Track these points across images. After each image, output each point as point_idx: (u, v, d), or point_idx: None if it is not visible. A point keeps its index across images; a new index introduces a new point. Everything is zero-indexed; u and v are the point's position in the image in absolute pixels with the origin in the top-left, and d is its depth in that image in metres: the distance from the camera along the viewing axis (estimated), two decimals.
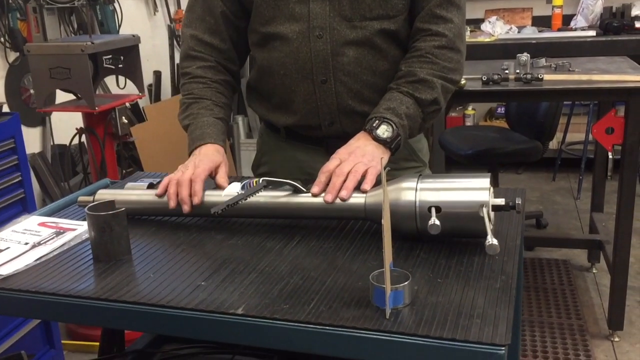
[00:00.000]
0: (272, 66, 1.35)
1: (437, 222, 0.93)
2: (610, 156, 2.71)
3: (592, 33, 3.92)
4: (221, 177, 1.22)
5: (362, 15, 1.27)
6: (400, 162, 1.41)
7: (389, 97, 1.25)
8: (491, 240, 0.90)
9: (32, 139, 2.96)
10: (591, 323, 2.58)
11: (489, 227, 0.93)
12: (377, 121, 1.20)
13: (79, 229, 1.15)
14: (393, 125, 1.20)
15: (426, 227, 0.95)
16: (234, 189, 1.12)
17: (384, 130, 1.19)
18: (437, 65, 1.26)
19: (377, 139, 1.19)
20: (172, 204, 1.14)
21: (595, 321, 2.60)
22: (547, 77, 2.35)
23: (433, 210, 0.97)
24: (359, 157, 1.14)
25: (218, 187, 1.20)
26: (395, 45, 1.32)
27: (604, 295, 2.74)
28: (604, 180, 3.07)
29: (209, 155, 1.24)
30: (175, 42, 4.04)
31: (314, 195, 1.09)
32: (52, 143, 3.04)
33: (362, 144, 1.18)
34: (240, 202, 1.08)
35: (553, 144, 3.71)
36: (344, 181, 1.09)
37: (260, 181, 1.10)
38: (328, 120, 1.35)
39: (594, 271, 3.01)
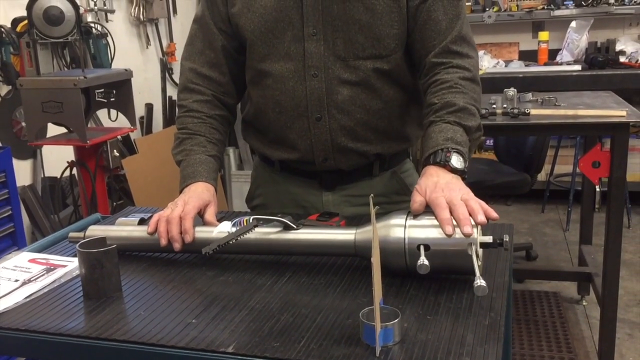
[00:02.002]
0: (267, 103, 1.36)
1: (426, 262, 0.94)
2: (598, 189, 2.75)
3: (578, 67, 4.00)
4: (210, 216, 1.22)
5: (356, 54, 1.29)
6: (392, 196, 1.43)
7: (439, 129, 1.19)
8: (479, 281, 0.90)
9: (22, 172, 2.96)
10: (582, 356, 2.58)
11: (477, 267, 0.94)
12: (445, 153, 1.13)
13: (70, 265, 1.15)
14: (462, 153, 1.15)
15: (415, 264, 0.96)
16: (224, 228, 1.13)
17: (456, 161, 1.13)
18: (467, 95, 1.24)
19: (454, 171, 1.12)
20: (164, 242, 1.15)
21: (586, 354, 2.59)
22: (533, 111, 2.38)
23: (422, 248, 0.98)
24: (455, 190, 1.06)
25: (208, 225, 1.21)
26: (390, 85, 1.34)
27: (594, 328, 2.75)
28: (592, 213, 3.10)
29: (199, 193, 1.24)
30: (167, 75, 4.08)
31: (449, 236, 0.97)
32: (42, 175, 3.03)
33: (443, 178, 1.09)
34: (231, 242, 1.09)
35: (541, 176, 3.75)
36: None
37: (251, 220, 1.11)
38: (322, 157, 1.37)
39: (584, 303, 3.02)
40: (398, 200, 1.43)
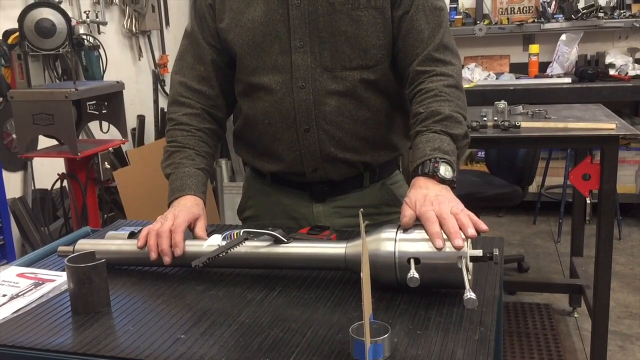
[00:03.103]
0: (257, 115, 1.38)
1: (416, 275, 0.94)
2: (588, 201, 2.76)
3: (568, 80, 4.04)
4: (200, 230, 1.22)
5: (343, 65, 1.31)
6: (383, 207, 1.44)
7: (425, 139, 1.19)
8: (469, 294, 0.90)
9: (13, 184, 2.94)
10: None
11: (467, 280, 0.94)
12: (433, 163, 1.13)
13: (58, 279, 1.14)
14: (450, 163, 1.15)
15: (405, 278, 0.96)
16: (215, 241, 1.13)
17: (445, 171, 1.12)
18: (453, 102, 1.24)
19: (443, 181, 1.11)
20: (154, 255, 1.14)
21: None
22: (524, 124, 2.40)
23: (412, 262, 0.98)
24: (444, 203, 1.05)
25: (198, 239, 1.21)
26: (376, 95, 1.35)
27: (586, 340, 2.75)
28: (582, 225, 3.11)
29: (188, 207, 1.24)
30: (159, 87, 4.08)
31: (440, 249, 0.96)
32: (33, 187, 3.02)
33: (432, 190, 1.09)
34: (221, 255, 1.08)
35: (532, 188, 3.77)
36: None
37: (242, 233, 1.10)
38: (312, 167, 1.37)
39: (575, 315, 3.03)
40: (389, 211, 1.43)
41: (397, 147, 1.43)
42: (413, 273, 0.94)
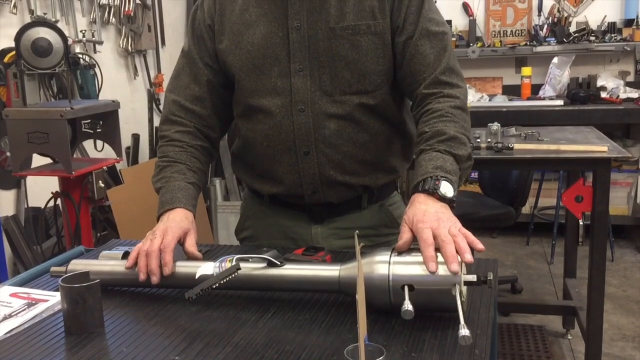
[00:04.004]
0: (256, 137, 1.38)
1: (410, 308, 0.93)
2: (581, 222, 2.77)
3: (560, 102, 4.08)
4: (190, 245, 1.22)
5: (342, 90, 1.31)
6: (381, 228, 1.44)
7: (428, 157, 1.19)
8: (463, 331, 0.89)
9: (6, 202, 2.93)
10: None
11: (461, 313, 0.92)
12: (434, 181, 1.13)
13: (51, 299, 1.14)
14: (452, 182, 1.15)
15: (399, 301, 0.96)
16: (207, 270, 1.11)
17: (445, 189, 1.12)
18: (458, 124, 1.24)
19: (443, 199, 1.11)
20: (142, 276, 1.14)
21: None
22: (517, 146, 2.42)
23: (406, 289, 0.97)
24: (443, 221, 1.06)
25: (188, 255, 1.21)
26: (375, 118, 1.35)
27: None
28: (575, 246, 3.12)
29: (177, 221, 1.24)
30: (154, 106, 4.09)
31: (433, 273, 0.98)
32: (26, 206, 3.00)
33: (431, 207, 1.09)
34: (214, 287, 1.07)
35: (525, 209, 3.78)
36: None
37: (234, 262, 1.09)
38: (311, 190, 1.37)
39: (569, 337, 3.02)
40: (387, 232, 1.44)
41: (395, 169, 1.44)
42: (407, 306, 0.93)
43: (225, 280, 1.05)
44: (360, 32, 1.29)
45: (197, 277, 1.09)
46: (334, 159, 1.34)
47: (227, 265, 1.09)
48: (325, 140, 1.33)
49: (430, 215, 1.06)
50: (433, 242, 1.01)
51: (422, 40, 1.30)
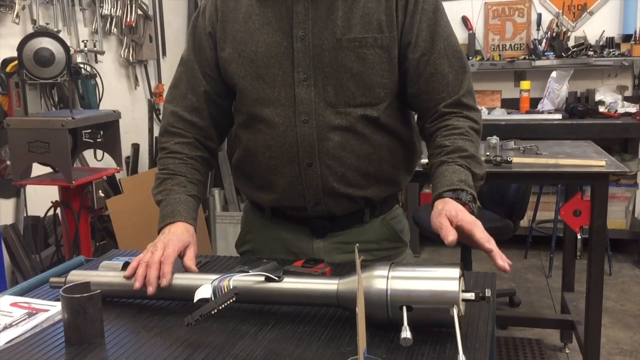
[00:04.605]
0: (258, 148, 1.37)
1: (409, 336, 0.92)
2: (579, 236, 2.78)
3: (558, 116, 4.10)
4: (189, 259, 1.22)
5: (346, 102, 1.31)
6: (383, 242, 1.44)
7: (452, 169, 1.23)
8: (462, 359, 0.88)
9: (5, 210, 2.94)
10: None
11: (459, 340, 0.91)
12: (465, 193, 1.19)
13: (52, 309, 1.14)
14: (474, 197, 1.21)
15: (397, 317, 0.96)
16: (205, 292, 1.09)
17: (473, 204, 1.19)
18: (475, 145, 1.30)
19: (472, 213, 1.16)
20: (138, 285, 1.14)
21: None
22: (515, 159, 2.43)
23: (405, 311, 0.97)
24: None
25: (186, 269, 1.21)
26: (378, 131, 1.35)
27: None
28: (573, 260, 3.12)
29: (178, 234, 1.24)
30: (155, 116, 4.11)
31: (506, 270, 1.03)
32: (25, 214, 3.01)
33: (466, 213, 1.14)
34: (213, 312, 1.06)
35: (524, 222, 3.79)
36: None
37: (231, 287, 1.08)
38: (313, 202, 1.37)
39: (567, 351, 3.02)
40: (388, 247, 1.44)
41: (398, 182, 1.44)
42: (406, 333, 0.92)
43: (223, 306, 1.05)
44: (367, 45, 1.29)
45: (195, 300, 1.08)
46: (337, 171, 1.34)
47: (225, 284, 1.09)
48: (328, 152, 1.33)
49: (471, 216, 1.11)
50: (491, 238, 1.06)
51: (441, 60, 1.32)
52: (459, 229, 1.10)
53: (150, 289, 1.13)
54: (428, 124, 1.35)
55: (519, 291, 3.67)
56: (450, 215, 1.12)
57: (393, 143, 1.39)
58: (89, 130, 2.60)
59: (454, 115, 1.32)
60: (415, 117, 1.44)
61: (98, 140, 2.64)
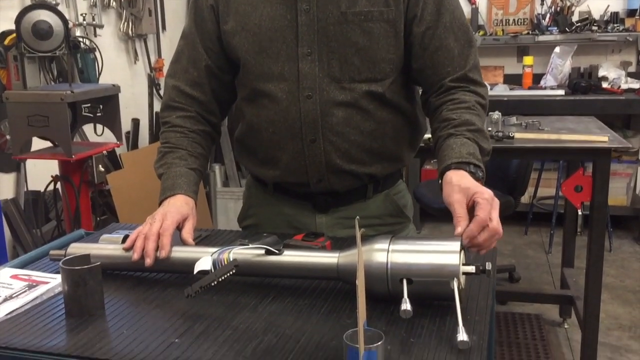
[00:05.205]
0: (261, 123, 1.36)
1: (409, 308, 0.93)
2: (580, 212, 2.78)
3: (561, 92, 4.07)
4: (187, 233, 1.22)
5: (351, 77, 1.30)
6: (386, 217, 1.44)
7: (460, 142, 1.21)
8: (462, 336, 0.89)
9: (5, 185, 2.93)
10: None
11: (460, 316, 0.91)
12: (472, 165, 1.16)
13: (52, 282, 1.14)
14: (483, 171, 1.18)
15: (397, 290, 0.96)
16: (205, 264, 1.09)
17: (481, 176, 1.17)
18: (481, 119, 1.27)
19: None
20: (136, 256, 1.14)
21: None
22: (517, 135, 2.42)
23: (405, 284, 0.97)
24: (495, 210, 1.08)
25: (183, 242, 1.21)
26: (382, 107, 1.34)
27: (575, 351, 2.76)
28: (574, 236, 3.13)
29: (178, 207, 1.24)
30: (155, 91, 4.08)
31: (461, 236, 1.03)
32: (26, 189, 3.01)
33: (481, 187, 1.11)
34: (213, 284, 1.06)
35: (524, 199, 3.79)
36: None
37: (231, 259, 1.09)
38: (316, 178, 1.36)
39: (565, 326, 3.04)
40: (392, 222, 1.44)
41: (402, 159, 1.43)
42: (406, 305, 0.93)
43: (223, 278, 1.05)
44: (373, 19, 1.27)
45: (195, 272, 1.08)
46: (341, 148, 1.33)
47: (225, 256, 1.09)
48: (332, 128, 1.31)
49: (490, 195, 1.08)
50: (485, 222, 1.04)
51: (447, 33, 1.29)
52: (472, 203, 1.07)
53: (148, 261, 1.13)
54: (433, 97, 1.33)
55: (518, 267, 3.69)
56: (468, 191, 1.08)
57: (397, 119, 1.38)
58: (89, 105, 2.58)
59: (460, 89, 1.30)
60: (420, 91, 1.42)
61: (98, 114, 2.63)
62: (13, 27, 2.74)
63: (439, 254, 0.99)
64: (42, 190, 2.77)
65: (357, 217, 0.91)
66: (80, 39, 3.26)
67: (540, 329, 2.99)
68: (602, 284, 2.43)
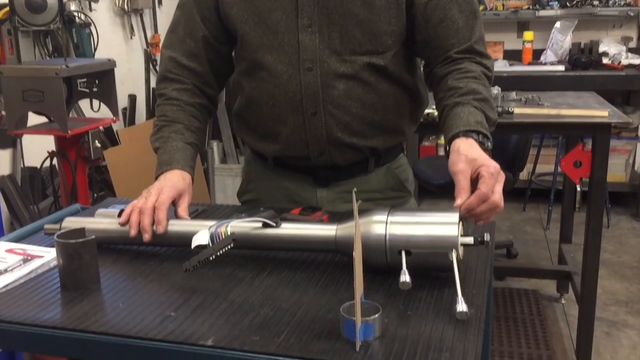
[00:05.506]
0: (261, 96, 1.34)
1: (408, 280, 0.92)
2: (578, 188, 2.77)
3: (561, 68, 4.04)
4: (182, 209, 1.21)
5: (352, 50, 1.28)
6: (387, 191, 1.43)
7: (467, 111, 1.19)
8: (461, 306, 0.89)
9: (2, 161, 2.92)
10: (560, 354, 2.61)
11: (459, 287, 0.91)
12: (479, 134, 1.14)
13: (47, 255, 1.13)
14: (489, 139, 1.17)
15: (396, 261, 0.95)
16: (203, 238, 1.08)
17: (490, 145, 1.17)
18: (487, 90, 1.26)
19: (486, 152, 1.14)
20: (133, 232, 1.13)
21: (563, 352, 2.62)
22: (517, 110, 2.40)
23: (403, 256, 0.96)
24: (500, 183, 1.06)
25: (177, 217, 1.20)
26: (384, 80, 1.32)
27: (572, 326, 2.78)
28: (572, 212, 3.13)
29: (174, 181, 1.23)
30: (151, 66, 4.04)
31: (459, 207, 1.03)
32: (22, 165, 2.99)
33: (487, 158, 1.09)
34: (211, 258, 1.05)
35: (523, 175, 3.78)
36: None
37: (229, 233, 1.08)
38: (317, 151, 1.35)
39: (562, 302, 3.05)
40: (393, 195, 1.43)
41: (403, 132, 1.42)
42: (405, 277, 0.92)
43: (221, 252, 1.05)
44: None
45: (192, 247, 1.07)
46: (342, 120, 1.31)
47: (223, 230, 1.08)
48: (333, 101, 1.30)
49: (494, 166, 1.06)
50: (488, 195, 1.02)
51: (450, 4, 1.27)
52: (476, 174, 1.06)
53: (146, 236, 1.12)
54: (438, 68, 1.31)
55: (516, 243, 3.70)
56: (474, 162, 1.07)
57: (399, 92, 1.36)
58: (84, 80, 2.56)
59: (466, 60, 1.28)
60: (422, 63, 1.40)
61: (93, 89, 2.60)
62: (6, 0, 2.70)
63: (438, 225, 0.99)
64: (39, 166, 2.76)
65: (355, 189, 0.89)
66: (75, 13, 3.22)
67: (538, 304, 3.01)
68: (600, 259, 2.43)
